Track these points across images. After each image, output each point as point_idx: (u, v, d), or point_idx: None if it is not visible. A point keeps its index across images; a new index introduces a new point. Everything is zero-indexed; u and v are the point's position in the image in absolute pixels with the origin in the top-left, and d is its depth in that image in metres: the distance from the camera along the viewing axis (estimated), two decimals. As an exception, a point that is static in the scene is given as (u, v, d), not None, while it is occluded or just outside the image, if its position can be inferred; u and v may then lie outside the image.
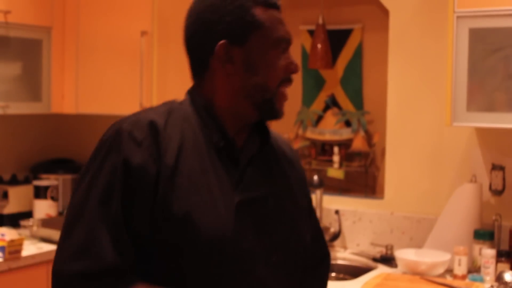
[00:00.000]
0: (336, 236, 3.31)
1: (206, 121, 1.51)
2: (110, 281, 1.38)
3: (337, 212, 3.36)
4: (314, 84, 3.72)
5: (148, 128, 1.44)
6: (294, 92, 3.79)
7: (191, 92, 1.57)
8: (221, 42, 1.48)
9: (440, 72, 3.10)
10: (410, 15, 3.24)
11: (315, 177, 3.36)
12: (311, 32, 3.66)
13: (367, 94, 3.58)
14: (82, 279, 1.38)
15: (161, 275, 1.43)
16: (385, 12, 3.38)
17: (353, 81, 3.60)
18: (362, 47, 3.58)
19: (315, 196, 3.37)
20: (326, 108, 3.67)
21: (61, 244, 1.43)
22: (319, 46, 3.56)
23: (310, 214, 1.71)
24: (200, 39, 1.52)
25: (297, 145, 3.67)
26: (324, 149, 3.65)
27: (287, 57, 1.53)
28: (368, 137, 3.51)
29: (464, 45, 2.74)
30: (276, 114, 1.54)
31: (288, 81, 1.55)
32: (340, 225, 3.33)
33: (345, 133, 3.55)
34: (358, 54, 3.58)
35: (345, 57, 3.62)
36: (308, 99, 3.73)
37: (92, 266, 1.37)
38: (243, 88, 1.50)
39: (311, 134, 3.64)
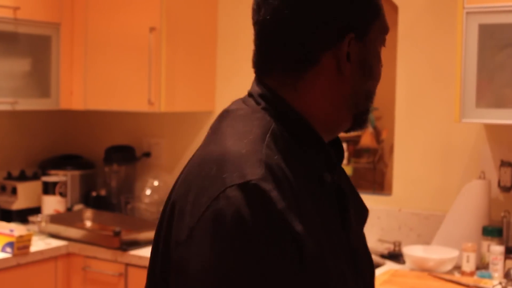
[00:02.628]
0: (344, 232, 3.30)
1: (309, 145, 1.14)
2: None
3: (345, 208, 3.35)
4: (323, 80, 3.70)
5: (286, 181, 1.03)
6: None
7: (273, 100, 1.15)
8: (350, 35, 1.12)
9: (449, 68, 3.09)
10: (419, 11, 3.23)
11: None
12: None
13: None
14: None
15: None
16: (394, 8, 3.37)
17: (361, 77, 3.59)
18: (371, 43, 3.56)
19: (323, 193, 3.37)
20: (335, 104, 3.66)
21: None
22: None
23: None
24: (318, 26, 1.12)
25: (305, 141, 3.67)
26: (332, 145, 3.64)
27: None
28: (377, 134, 3.50)
29: (473, 41, 2.73)
30: (364, 125, 1.23)
31: (379, 80, 1.24)
32: (348, 222, 3.32)
33: (353, 130, 3.54)
34: (366, 50, 3.57)
35: (354, 53, 3.61)
36: (316, 95, 3.72)
37: None
38: (353, 94, 1.17)
39: (319, 130, 3.64)
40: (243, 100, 1.20)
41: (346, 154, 3.50)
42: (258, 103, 1.15)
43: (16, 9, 3.38)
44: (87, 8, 3.66)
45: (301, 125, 1.13)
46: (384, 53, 3.59)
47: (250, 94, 1.20)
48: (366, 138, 3.49)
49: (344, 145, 3.62)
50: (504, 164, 2.98)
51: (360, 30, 1.13)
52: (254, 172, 1.00)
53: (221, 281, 0.97)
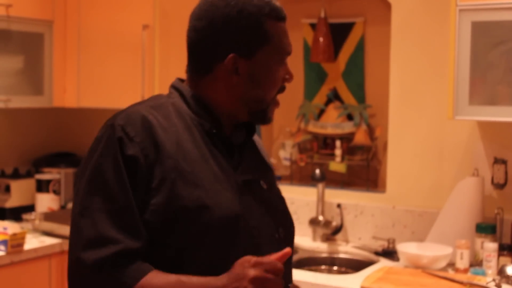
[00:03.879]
0: (338, 229, 3.31)
1: (197, 110, 1.58)
2: (126, 261, 1.43)
3: (339, 205, 3.36)
4: (316, 77, 3.71)
5: (141, 123, 1.48)
6: (296, 86, 3.78)
7: (177, 86, 1.64)
8: (231, 55, 1.54)
9: (442, 66, 3.09)
10: (412, 8, 3.23)
11: (317, 171, 3.36)
12: (313, 26, 3.66)
13: (369, 88, 3.58)
14: (100, 265, 1.42)
15: (174, 261, 1.47)
16: (387, 5, 3.37)
17: (355, 74, 3.60)
18: (364, 40, 3.57)
19: (317, 190, 3.37)
20: (328, 101, 3.66)
21: (73, 239, 1.48)
22: (321, 39, 3.55)
23: None
24: (209, 45, 1.56)
25: (299, 139, 3.67)
26: (326, 142, 3.65)
27: (285, 67, 1.61)
28: (370, 131, 3.51)
29: (466, 38, 2.73)
30: (267, 121, 1.62)
31: (282, 89, 1.62)
32: (342, 219, 3.33)
33: (347, 127, 3.54)
34: (360, 47, 3.58)
35: (347, 50, 3.61)
36: (310, 92, 3.73)
37: (105, 252, 1.41)
38: (242, 97, 1.58)
39: (313, 127, 3.64)
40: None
41: (339, 152, 3.51)
42: (170, 90, 1.65)
43: (8, 6, 3.37)
44: (80, 5, 3.65)
45: (194, 100, 1.59)
46: (378, 50, 3.61)
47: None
48: (360, 136, 3.49)
49: (338, 143, 3.64)
50: (497, 161, 2.99)
51: (244, 52, 1.54)
52: (116, 119, 1.49)
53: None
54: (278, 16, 1.57)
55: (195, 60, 1.61)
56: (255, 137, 1.73)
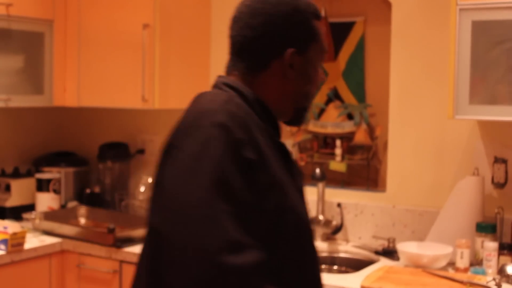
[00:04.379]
0: (338, 229, 3.31)
1: (262, 116, 1.57)
2: (262, 275, 1.38)
3: (339, 205, 3.36)
4: (316, 77, 3.71)
5: (244, 125, 1.46)
6: (296, 85, 3.78)
7: (235, 86, 1.59)
8: (291, 50, 1.58)
9: (442, 65, 3.09)
10: (412, 8, 3.23)
11: (317, 170, 3.36)
12: (313, 25, 3.65)
13: (369, 87, 3.58)
14: (243, 273, 1.33)
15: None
16: (387, 4, 3.37)
17: (355, 74, 3.60)
18: (365, 40, 3.57)
19: (317, 189, 3.37)
20: (328, 101, 3.66)
21: (200, 242, 1.32)
22: (321, 39, 3.55)
23: None
24: (267, 41, 1.59)
25: (299, 138, 3.67)
26: (326, 142, 3.64)
27: (321, 68, 1.68)
28: (370, 130, 3.51)
29: (467, 37, 2.73)
30: (302, 122, 1.70)
31: (318, 90, 1.69)
32: (342, 218, 3.33)
33: (347, 126, 3.54)
34: (360, 47, 3.57)
35: (348, 50, 3.61)
36: (310, 92, 3.72)
37: (249, 259, 1.34)
38: (294, 93, 1.62)
39: (313, 127, 3.64)
40: (207, 91, 1.62)
41: (339, 151, 3.51)
42: (220, 88, 1.59)
43: (8, 5, 3.37)
44: (80, 4, 3.66)
45: (257, 103, 1.57)
46: (378, 49, 3.61)
47: (213, 86, 1.63)
48: (360, 135, 3.49)
49: (338, 142, 3.65)
50: (497, 160, 2.99)
51: (299, 47, 1.58)
52: (222, 118, 1.43)
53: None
54: (318, 16, 1.65)
55: (251, 57, 1.60)
56: None
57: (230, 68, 1.63)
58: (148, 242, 1.48)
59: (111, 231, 3.17)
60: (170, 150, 1.48)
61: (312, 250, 1.59)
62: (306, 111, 1.66)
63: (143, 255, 1.52)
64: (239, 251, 1.33)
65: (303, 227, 1.55)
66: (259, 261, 1.35)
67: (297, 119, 1.67)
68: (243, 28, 1.60)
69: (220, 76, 1.64)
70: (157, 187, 1.46)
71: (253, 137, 1.45)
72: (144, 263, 1.49)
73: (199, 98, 1.57)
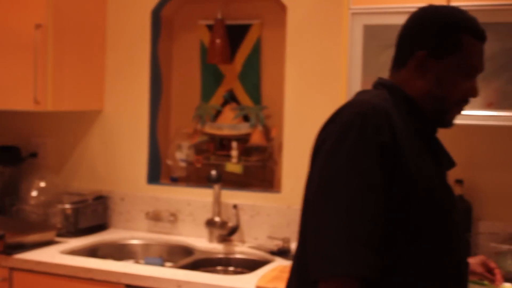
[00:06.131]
0: (234, 230, 3.32)
1: (410, 109, 1.69)
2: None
3: (235, 206, 3.37)
4: (213, 79, 3.71)
5: (385, 114, 1.56)
6: (192, 87, 3.78)
7: (385, 83, 1.75)
8: (422, 52, 1.68)
9: (335, 68, 3.15)
10: (307, 11, 3.28)
11: (213, 172, 3.36)
12: (210, 27, 3.66)
13: (265, 89, 3.61)
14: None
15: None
16: (283, 8, 3.41)
17: (251, 76, 3.62)
18: (261, 42, 3.60)
19: (213, 191, 3.37)
20: (225, 103, 3.67)
21: (347, 241, 1.46)
22: (218, 41, 3.56)
23: None
24: (407, 40, 1.72)
25: (195, 140, 3.66)
26: (222, 144, 3.65)
27: (473, 83, 1.72)
28: (266, 132, 3.54)
29: (358, 41, 2.79)
30: (445, 124, 1.75)
31: (466, 102, 1.73)
32: (238, 220, 3.34)
33: (243, 128, 3.56)
34: (256, 49, 3.60)
35: (244, 52, 3.63)
36: (206, 94, 3.73)
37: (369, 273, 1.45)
38: (427, 92, 1.69)
39: (210, 129, 3.64)
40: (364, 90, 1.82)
41: (236, 153, 3.52)
42: (376, 88, 1.76)
43: None
44: (-32, 2, 3.52)
45: (405, 100, 1.69)
46: (274, 52, 3.62)
47: (372, 86, 1.79)
48: (256, 137, 3.51)
49: (234, 144, 3.65)
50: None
51: (435, 53, 1.66)
52: (362, 108, 1.56)
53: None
54: (477, 35, 1.70)
55: (396, 54, 1.76)
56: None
57: (391, 66, 1.78)
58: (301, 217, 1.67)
59: (0, 237, 3.07)
60: (321, 133, 1.71)
61: (447, 236, 1.64)
62: (445, 114, 1.72)
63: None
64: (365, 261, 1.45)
65: (435, 212, 1.60)
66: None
67: (438, 119, 1.73)
68: (402, 28, 1.76)
69: (379, 77, 1.80)
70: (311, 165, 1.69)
71: (391, 124, 1.55)
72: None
73: (355, 95, 1.75)
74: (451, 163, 1.80)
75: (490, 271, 2.24)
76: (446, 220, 1.64)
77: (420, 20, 1.71)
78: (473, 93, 1.72)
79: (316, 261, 1.47)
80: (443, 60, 1.68)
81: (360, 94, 1.75)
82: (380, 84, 1.76)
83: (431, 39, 1.68)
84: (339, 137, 1.56)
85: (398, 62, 1.74)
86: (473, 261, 2.22)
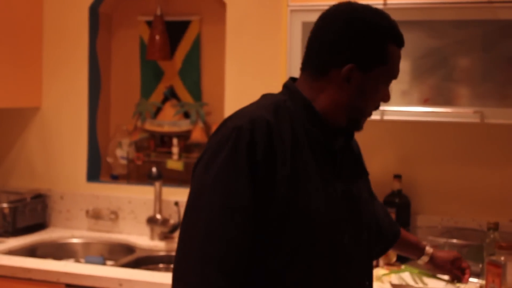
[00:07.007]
0: (175, 227, 3.31)
1: (310, 118, 1.63)
2: None
3: (176, 203, 3.37)
4: (153, 75, 3.69)
5: (266, 128, 1.52)
6: (132, 83, 3.75)
7: (290, 87, 1.68)
8: (351, 65, 1.60)
9: (276, 64, 3.17)
10: (246, 8, 3.29)
11: (154, 169, 3.35)
12: (149, 23, 3.64)
13: (205, 86, 3.61)
14: None
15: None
16: (222, 4, 3.42)
17: (191, 73, 3.62)
18: (200, 39, 3.60)
19: (154, 188, 3.36)
20: (165, 99, 3.66)
21: (198, 255, 1.46)
22: (157, 37, 3.54)
23: (374, 198, 2.00)
24: (334, 49, 1.62)
25: (135, 137, 3.63)
26: (163, 140, 3.64)
27: (387, 89, 1.70)
28: (207, 129, 3.54)
29: (297, 37, 2.82)
30: (359, 128, 1.71)
31: (377, 107, 1.71)
32: (179, 217, 3.34)
33: (183, 125, 3.55)
34: (196, 46, 3.60)
35: (184, 48, 3.62)
36: (146, 90, 3.71)
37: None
38: (347, 105, 1.64)
39: (150, 126, 3.62)
40: (268, 93, 1.73)
41: (176, 150, 3.51)
42: (283, 89, 1.71)
43: None
44: None
45: (305, 107, 1.63)
46: (214, 48, 3.62)
47: (282, 86, 1.72)
48: (197, 133, 3.51)
49: (175, 141, 3.64)
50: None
51: (363, 66, 1.61)
52: (241, 122, 1.54)
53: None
54: (399, 42, 1.66)
55: (317, 62, 1.65)
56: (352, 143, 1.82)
57: (303, 67, 1.69)
58: None
59: None
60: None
61: (328, 252, 1.60)
62: (360, 121, 1.69)
63: None
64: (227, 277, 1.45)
65: (316, 236, 1.56)
66: None
67: (352, 126, 1.70)
68: (320, 30, 1.65)
69: (291, 77, 1.74)
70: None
71: (270, 140, 1.51)
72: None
73: (257, 100, 1.70)
74: (363, 173, 1.80)
75: (460, 269, 2.30)
76: (328, 245, 1.58)
77: (343, 27, 1.62)
78: (387, 98, 1.71)
79: (172, 281, 1.49)
80: (370, 73, 1.63)
81: (259, 100, 1.69)
82: (286, 86, 1.70)
83: (359, 51, 1.60)
84: (214, 152, 1.52)
85: (318, 68, 1.64)
86: (445, 256, 2.27)
